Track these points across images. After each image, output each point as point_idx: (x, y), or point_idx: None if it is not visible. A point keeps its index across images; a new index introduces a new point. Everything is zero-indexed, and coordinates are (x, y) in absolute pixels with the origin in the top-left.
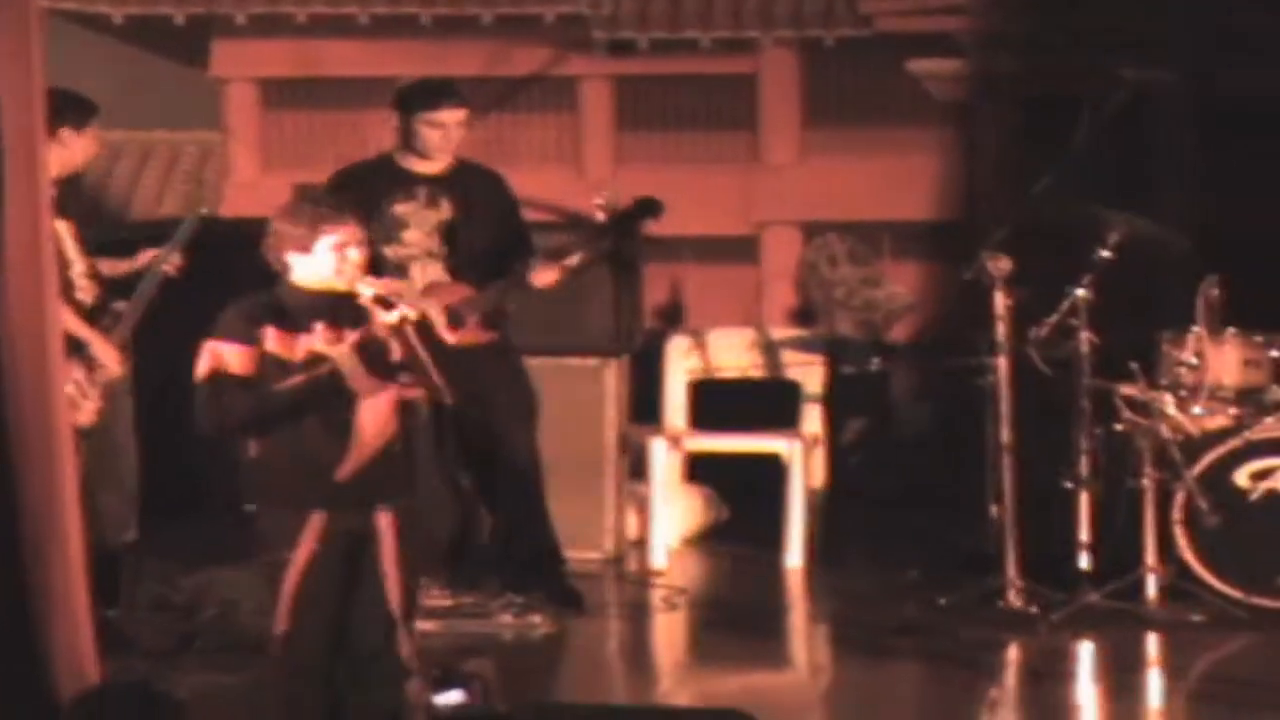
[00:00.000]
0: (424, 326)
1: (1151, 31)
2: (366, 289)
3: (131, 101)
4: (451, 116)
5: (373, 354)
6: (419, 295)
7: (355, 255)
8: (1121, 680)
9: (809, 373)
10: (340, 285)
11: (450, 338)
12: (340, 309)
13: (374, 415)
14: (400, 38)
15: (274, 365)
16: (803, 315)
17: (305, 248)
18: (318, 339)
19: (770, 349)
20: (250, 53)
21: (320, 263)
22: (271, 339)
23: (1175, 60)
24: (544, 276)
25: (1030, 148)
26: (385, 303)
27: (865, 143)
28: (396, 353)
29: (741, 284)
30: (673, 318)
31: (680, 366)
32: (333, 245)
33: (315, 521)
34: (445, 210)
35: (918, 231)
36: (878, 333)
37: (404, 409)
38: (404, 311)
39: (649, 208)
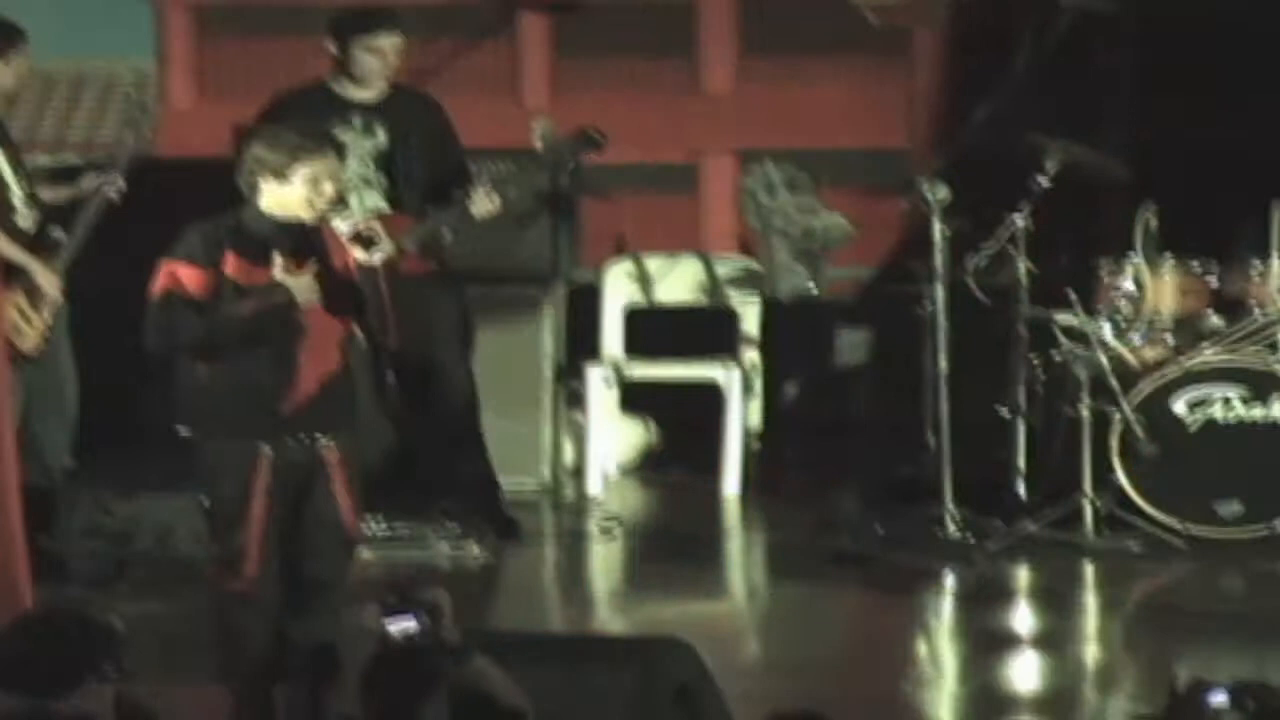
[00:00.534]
0: (388, 267)
1: None
2: (344, 225)
3: (66, 28)
4: (389, 42)
5: (332, 288)
6: (387, 236)
7: (329, 189)
8: (1058, 609)
9: (747, 301)
10: (307, 217)
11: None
12: (303, 240)
13: (321, 349)
14: None
15: (231, 290)
16: (740, 244)
17: (281, 175)
18: (278, 268)
19: (709, 277)
20: None
21: (293, 192)
22: (231, 264)
23: None
24: (484, 206)
25: (969, 76)
26: (363, 241)
27: (803, 71)
28: (362, 290)
29: (680, 212)
30: (610, 245)
31: (618, 295)
32: (308, 176)
33: (264, 455)
34: (381, 138)
35: (856, 160)
36: (816, 261)
37: (347, 342)
38: (382, 251)
39: (591, 140)
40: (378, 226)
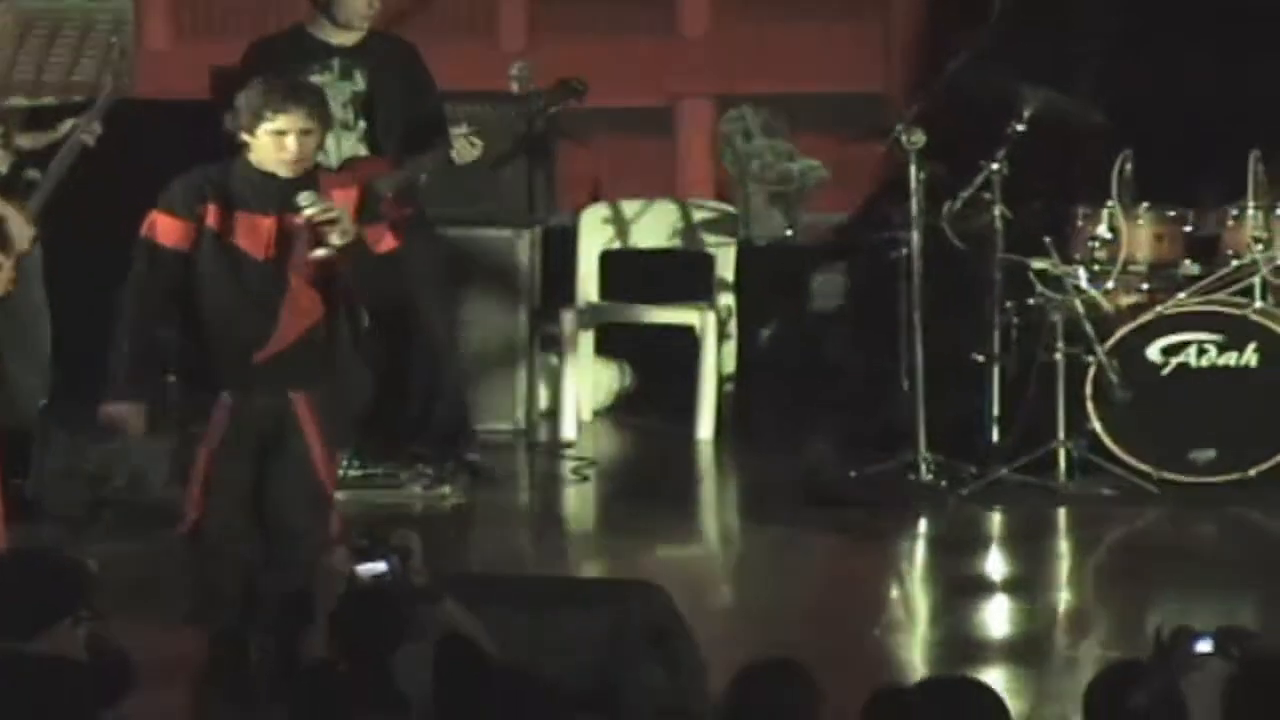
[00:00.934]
0: (355, 249)
1: None
2: (308, 208)
3: None
4: None
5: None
6: (350, 219)
7: (292, 144)
8: (1031, 553)
9: (723, 246)
10: (283, 172)
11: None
12: (289, 194)
13: (301, 300)
14: None
15: (212, 243)
16: (717, 188)
17: (249, 129)
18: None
19: (684, 221)
20: None
21: (261, 147)
22: (212, 215)
23: None
24: (466, 152)
25: (947, 20)
26: (317, 230)
27: (781, 15)
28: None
29: (656, 156)
30: (587, 189)
31: (593, 239)
32: (272, 131)
33: (225, 401)
34: (359, 82)
35: (833, 104)
36: (792, 206)
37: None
38: (333, 245)
39: (573, 89)
40: (336, 215)
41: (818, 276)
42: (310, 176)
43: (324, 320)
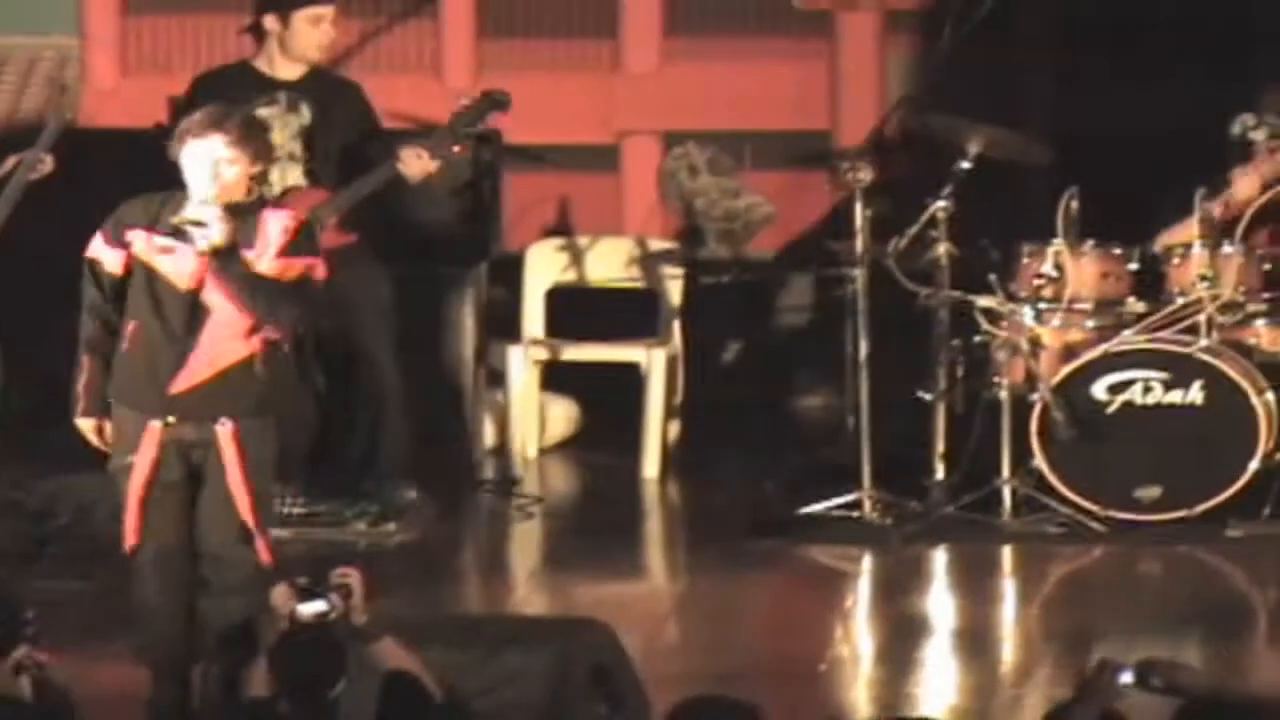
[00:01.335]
0: (225, 256)
1: None
2: (184, 216)
3: None
4: (329, 11)
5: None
6: (225, 227)
7: (207, 171)
8: (975, 592)
9: (669, 283)
10: (188, 211)
11: (287, 265)
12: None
13: (223, 333)
14: None
15: (139, 270)
16: (664, 224)
17: (177, 156)
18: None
19: (631, 258)
20: None
21: (187, 171)
22: (140, 243)
23: None
24: (415, 165)
25: (893, 58)
26: (182, 233)
27: (727, 52)
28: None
29: (602, 193)
30: (532, 226)
31: (540, 275)
32: (194, 156)
33: (154, 429)
34: (306, 115)
35: (779, 141)
36: (738, 243)
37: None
38: (200, 249)
39: (497, 102)
40: (205, 217)
41: (764, 313)
42: (251, 207)
43: (251, 360)
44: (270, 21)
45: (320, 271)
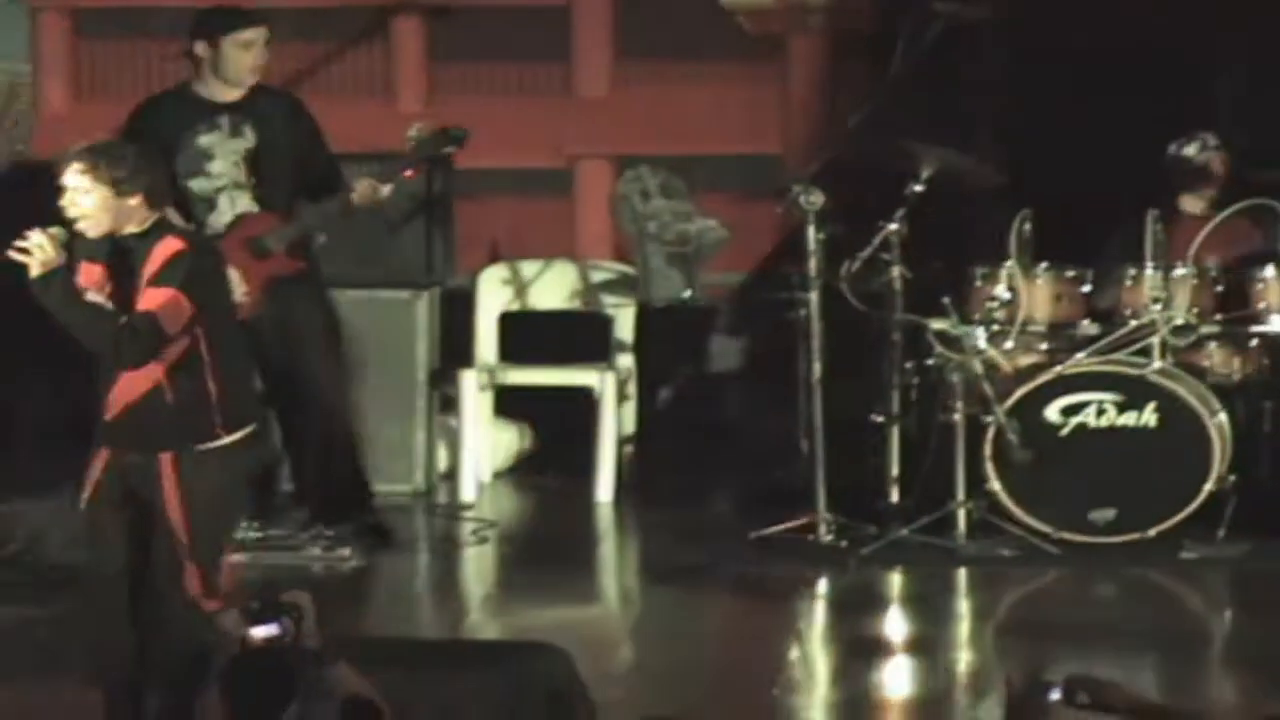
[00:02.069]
0: (42, 283)
1: None
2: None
3: None
4: (258, 35)
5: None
6: (43, 255)
7: (66, 199)
8: (929, 615)
9: (621, 307)
10: (80, 228)
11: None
12: (120, 253)
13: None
14: None
15: None
16: (616, 249)
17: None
18: (81, 279)
19: (583, 282)
20: None
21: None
22: (81, 273)
23: None
24: (366, 193)
25: (844, 81)
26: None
27: (678, 76)
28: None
29: (554, 217)
30: (485, 251)
31: (492, 300)
32: (62, 186)
33: (102, 453)
34: (249, 137)
35: (731, 165)
36: (691, 267)
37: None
38: (33, 274)
39: (453, 137)
40: (44, 241)
41: (716, 337)
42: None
43: (158, 388)
44: (200, 48)
45: (172, 305)
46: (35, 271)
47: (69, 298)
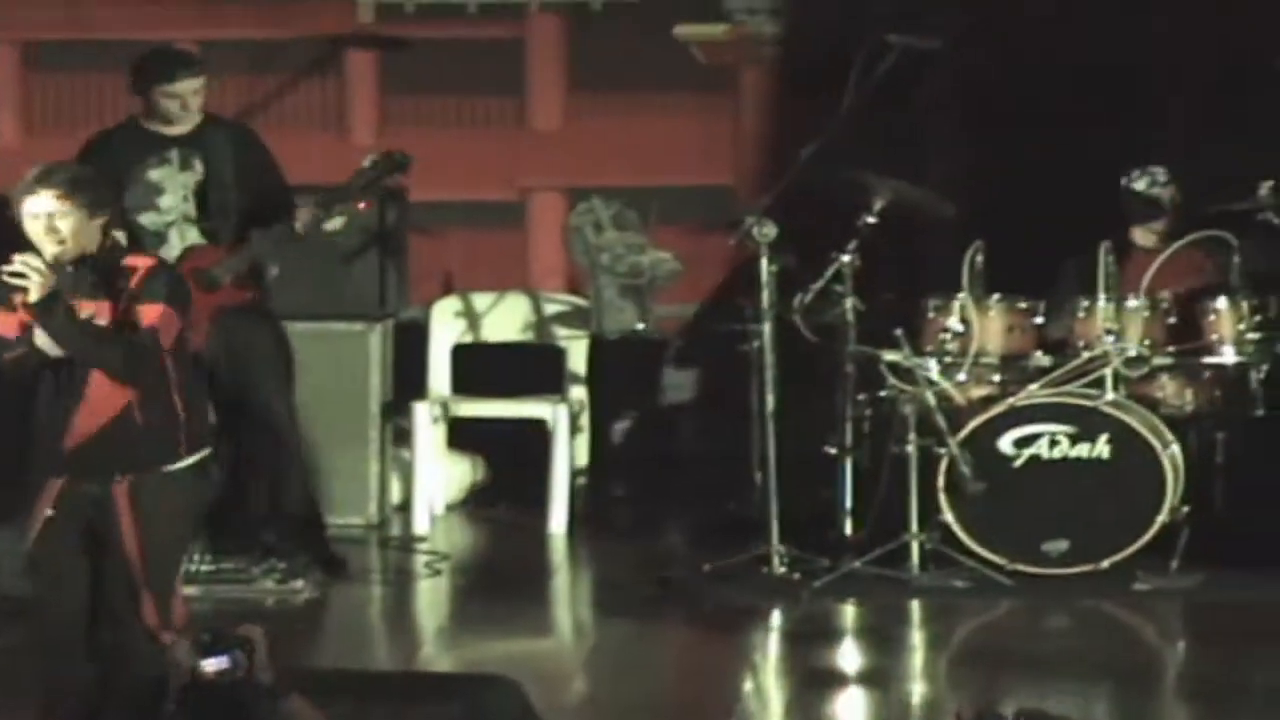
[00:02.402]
0: (43, 307)
1: None
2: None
3: None
4: (189, 87)
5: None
6: (41, 279)
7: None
8: (883, 647)
9: (574, 339)
10: (47, 255)
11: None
12: (78, 281)
13: (101, 386)
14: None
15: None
16: (569, 281)
17: (16, 218)
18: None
19: (536, 314)
20: (15, 14)
21: (28, 230)
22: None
23: (942, 27)
24: (305, 223)
25: (797, 113)
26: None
27: (631, 108)
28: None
29: (508, 249)
30: (437, 283)
31: (445, 332)
32: (29, 215)
33: (54, 486)
34: (199, 170)
35: (684, 197)
36: (644, 298)
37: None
38: (24, 301)
39: (397, 163)
40: (27, 269)
41: (669, 369)
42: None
43: (129, 409)
44: (132, 90)
45: (166, 319)
46: (36, 296)
47: (73, 319)
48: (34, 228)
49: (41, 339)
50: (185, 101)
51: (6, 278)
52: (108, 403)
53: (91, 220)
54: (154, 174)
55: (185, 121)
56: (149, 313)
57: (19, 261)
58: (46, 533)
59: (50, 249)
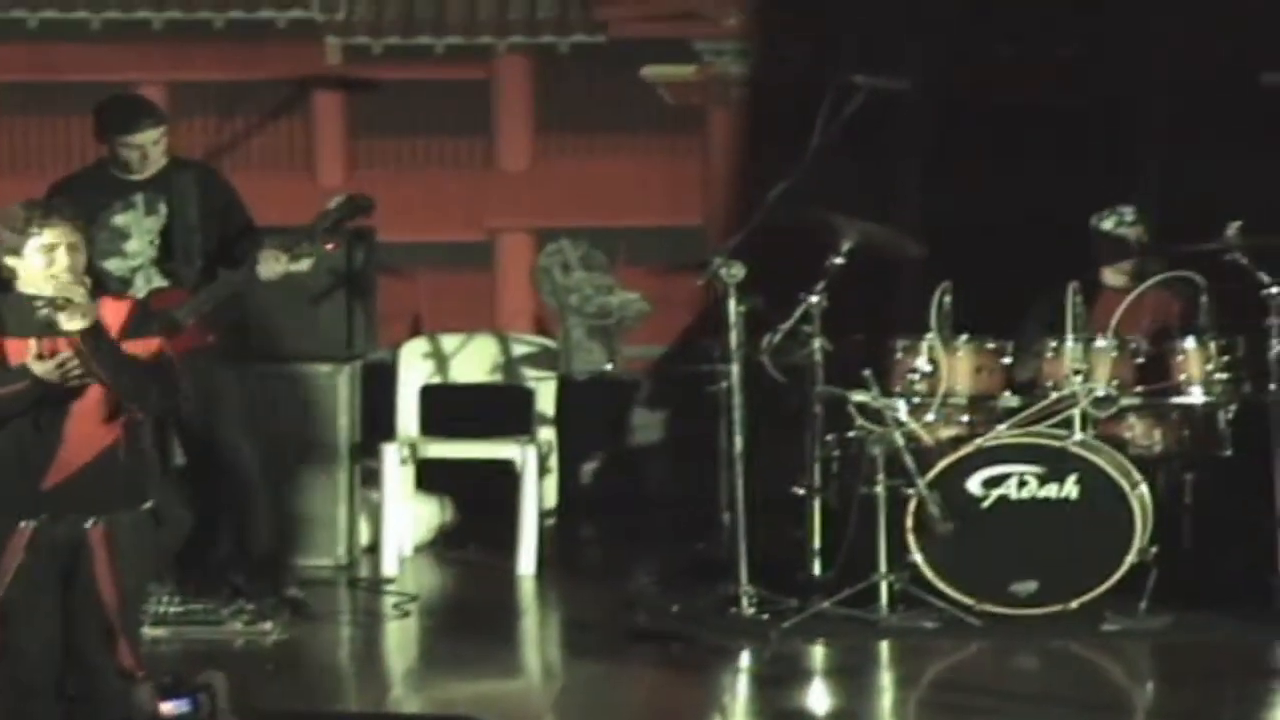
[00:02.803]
0: (94, 334)
1: (886, 40)
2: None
3: None
4: (148, 138)
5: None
6: (88, 303)
7: (65, 258)
8: (852, 688)
9: (543, 380)
10: (52, 290)
11: (137, 347)
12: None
13: (85, 423)
14: (133, 43)
15: (5, 373)
16: (537, 322)
17: (16, 251)
18: (30, 350)
19: (504, 355)
20: None
21: (30, 266)
22: (7, 346)
23: (910, 68)
24: (271, 267)
25: (764, 154)
26: (56, 308)
27: (599, 148)
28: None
29: (476, 290)
30: (406, 324)
31: (413, 373)
32: (40, 248)
33: (24, 531)
34: (164, 215)
35: (652, 237)
36: (612, 339)
37: (126, 417)
38: (76, 319)
39: (359, 206)
40: (70, 293)
41: (639, 409)
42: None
43: (114, 446)
44: (97, 140)
45: (167, 348)
46: (80, 324)
47: (117, 347)
48: (43, 262)
49: (42, 368)
50: (145, 152)
51: (47, 305)
52: (90, 441)
53: (84, 256)
54: (119, 219)
55: (146, 170)
56: (149, 346)
57: (63, 287)
58: (20, 577)
59: (63, 280)
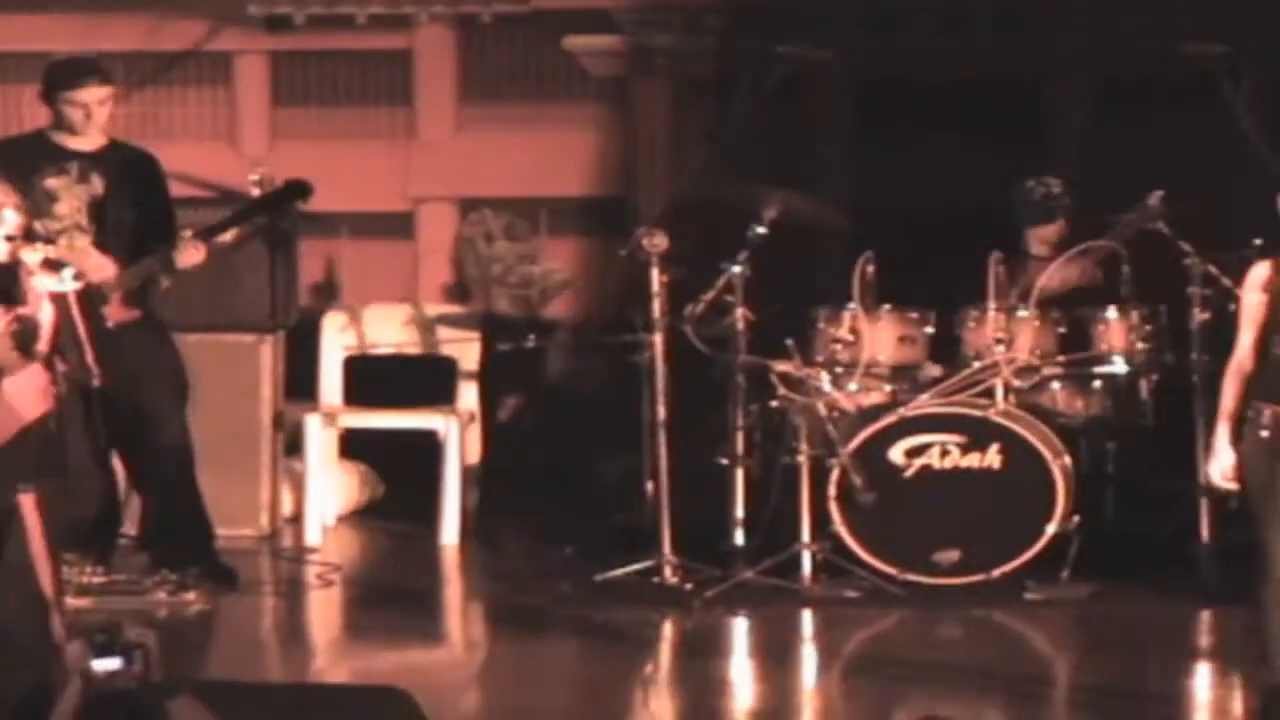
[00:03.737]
0: (89, 299)
1: (808, 10)
2: (34, 254)
3: None
4: (93, 95)
5: (23, 333)
6: (86, 268)
7: (13, 219)
8: (775, 657)
9: (465, 349)
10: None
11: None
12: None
13: (20, 394)
14: (56, 11)
15: None
16: (459, 291)
17: None
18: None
19: (426, 325)
20: None
21: None
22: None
23: (832, 39)
24: (190, 256)
25: (687, 124)
26: (52, 266)
27: (522, 119)
28: (53, 324)
29: (398, 260)
30: (328, 294)
31: (336, 343)
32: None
33: None
34: (96, 186)
35: (574, 208)
36: (534, 309)
37: (56, 388)
38: (72, 278)
39: (299, 190)
40: (69, 256)
41: (560, 379)
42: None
43: (45, 417)
44: (43, 102)
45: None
46: (72, 286)
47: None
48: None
49: None
50: (90, 110)
51: (52, 259)
52: (30, 407)
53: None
54: (51, 182)
55: (90, 131)
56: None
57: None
58: None
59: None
